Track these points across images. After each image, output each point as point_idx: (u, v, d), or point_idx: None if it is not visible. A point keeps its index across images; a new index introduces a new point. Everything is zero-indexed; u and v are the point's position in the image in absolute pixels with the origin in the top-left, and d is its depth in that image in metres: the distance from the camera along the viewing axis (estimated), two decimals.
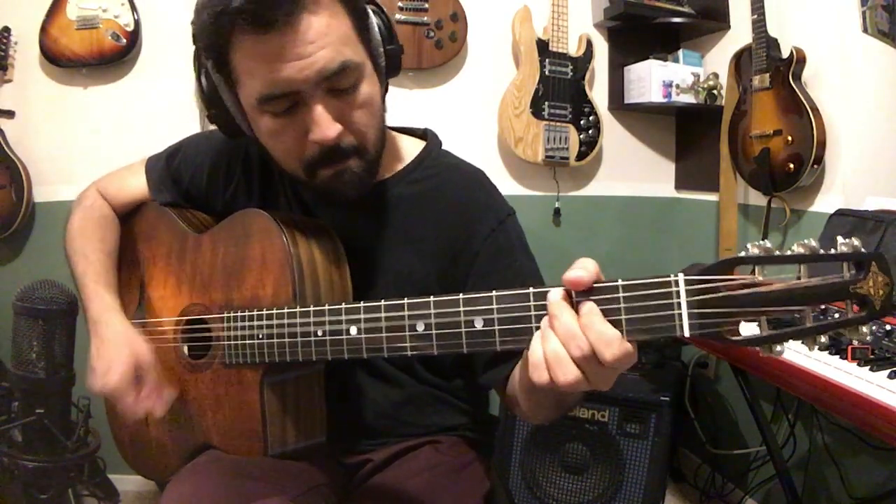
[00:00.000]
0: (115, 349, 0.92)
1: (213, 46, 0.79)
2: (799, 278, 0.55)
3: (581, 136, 2.25)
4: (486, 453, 1.09)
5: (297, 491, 0.89)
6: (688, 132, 2.45)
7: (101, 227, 1.06)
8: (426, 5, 2.10)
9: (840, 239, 0.56)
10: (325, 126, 0.79)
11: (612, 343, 0.56)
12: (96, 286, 0.99)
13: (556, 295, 0.60)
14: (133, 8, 1.99)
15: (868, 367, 1.15)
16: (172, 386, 0.98)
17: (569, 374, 0.58)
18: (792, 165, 1.78)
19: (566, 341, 0.58)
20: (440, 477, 0.97)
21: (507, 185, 2.30)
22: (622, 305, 0.58)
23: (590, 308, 0.58)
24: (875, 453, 1.62)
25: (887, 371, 1.12)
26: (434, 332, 0.67)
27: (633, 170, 2.47)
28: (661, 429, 1.82)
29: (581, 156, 2.27)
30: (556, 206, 2.36)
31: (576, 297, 0.59)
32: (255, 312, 0.84)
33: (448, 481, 0.98)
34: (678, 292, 0.55)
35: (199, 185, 1.04)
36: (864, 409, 1.07)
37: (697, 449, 2.30)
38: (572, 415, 1.88)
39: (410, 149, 1.00)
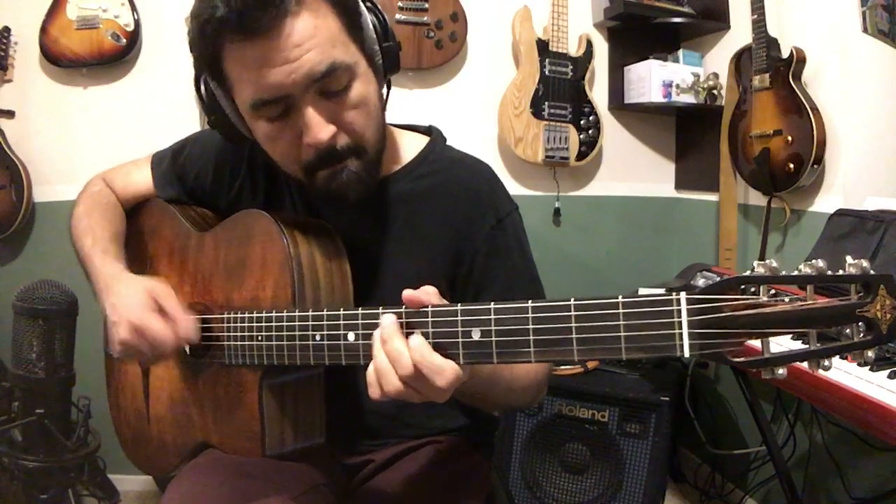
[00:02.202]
0: (129, 291, 0.87)
1: (206, 55, 0.79)
2: (805, 299, 0.54)
3: (581, 136, 2.25)
4: (487, 454, 1.10)
5: (298, 490, 0.89)
6: (688, 132, 2.45)
7: (109, 211, 1.05)
8: (426, 5, 2.10)
9: (849, 260, 0.55)
10: (317, 128, 0.79)
11: (444, 371, 0.65)
12: (104, 255, 0.96)
13: (387, 319, 0.68)
14: (133, 8, 1.99)
15: (868, 367, 1.15)
16: (172, 385, 0.98)
17: (389, 385, 0.67)
18: (792, 165, 1.78)
19: (394, 362, 0.66)
20: (441, 477, 0.97)
21: (507, 185, 2.26)
22: (621, 322, 0.57)
23: (417, 339, 0.66)
24: (875, 453, 1.62)
25: (887, 371, 1.12)
26: (431, 341, 0.66)
27: (633, 170, 2.47)
28: (661, 429, 1.82)
29: (581, 156, 2.27)
30: (556, 206, 2.36)
31: (405, 318, 0.68)
32: (254, 314, 0.84)
33: (448, 482, 0.98)
34: (679, 311, 0.55)
35: (203, 182, 1.04)
36: (864, 409, 1.07)
37: (697, 449, 2.30)
38: (572, 415, 1.89)
39: (414, 145, 0.99)
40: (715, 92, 2.19)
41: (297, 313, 0.79)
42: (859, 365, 1.16)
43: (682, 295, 0.55)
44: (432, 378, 0.65)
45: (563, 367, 1.98)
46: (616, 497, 1.85)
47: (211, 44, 0.77)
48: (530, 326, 0.62)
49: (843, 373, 1.15)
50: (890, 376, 1.11)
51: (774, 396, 1.89)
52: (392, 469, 0.98)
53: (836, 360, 1.22)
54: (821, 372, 1.16)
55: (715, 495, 2.16)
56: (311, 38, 0.76)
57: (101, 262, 0.95)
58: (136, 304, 0.86)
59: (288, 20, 0.74)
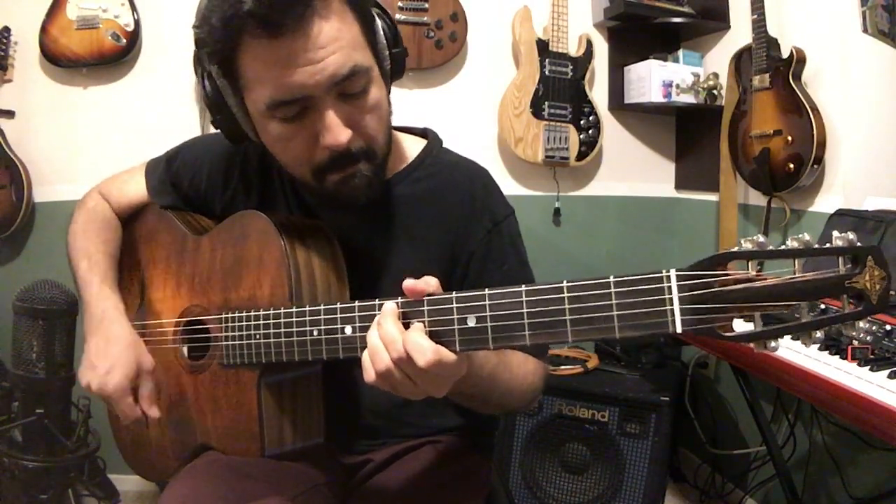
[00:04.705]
0: (119, 351, 0.91)
1: (221, 51, 0.78)
2: (794, 273, 0.54)
3: (581, 136, 2.25)
4: (487, 453, 1.10)
5: (297, 491, 0.89)
6: (688, 132, 2.45)
7: (104, 228, 1.06)
8: (426, 5, 2.10)
9: (835, 233, 0.55)
10: (337, 131, 0.78)
11: (426, 351, 0.65)
12: (102, 284, 0.99)
13: (388, 306, 0.69)
14: (133, 8, 1.99)
15: (868, 367, 1.15)
16: (171, 388, 0.98)
17: (380, 363, 0.67)
18: (792, 165, 1.78)
19: (387, 344, 0.67)
20: (440, 477, 0.97)
21: (507, 185, 2.30)
22: (613, 301, 0.58)
23: (415, 326, 0.67)
24: (875, 453, 1.62)
25: (887, 371, 1.12)
26: (427, 329, 0.67)
27: (633, 170, 2.47)
28: (661, 429, 1.82)
29: (581, 156, 2.27)
30: (556, 206, 2.36)
31: (402, 307, 0.69)
32: (251, 313, 0.84)
33: (448, 482, 0.98)
34: (670, 288, 0.55)
35: (197, 188, 1.04)
36: (864, 409, 1.06)
37: (697, 449, 2.30)
38: (572, 415, 1.89)
39: (412, 148, 1.00)
40: (715, 92, 2.19)
41: (294, 309, 0.80)
42: (859, 363, 1.16)
43: (672, 272, 0.55)
44: (415, 357, 0.65)
45: (563, 367, 1.98)
46: (616, 497, 1.85)
47: (230, 39, 0.75)
48: (524, 310, 0.63)
49: (843, 373, 1.15)
50: (890, 376, 1.11)
51: (774, 396, 1.89)
52: (391, 469, 0.99)
53: (836, 359, 1.23)
54: (821, 371, 1.17)
55: (715, 495, 2.16)
56: (336, 41, 0.76)
57: (99, 290, 0.98)
58: (120, 373, 0.91)
59: (315, 20, 0.74)
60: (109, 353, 0.91)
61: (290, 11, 0.72)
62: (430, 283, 0.69)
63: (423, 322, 0.68)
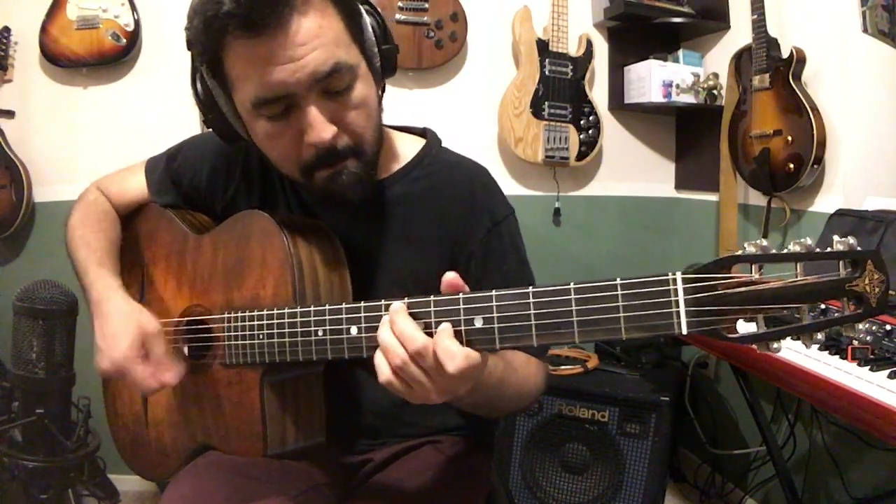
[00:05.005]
0: (118, 323, 0.89)
1: (207, 51, 0.79)
2: (796, 276, 0.55)
3: (581, 136, 2.25)
4: (487, 453, 1.10)
5: (297, 490, 0.89)
6: (688, 132, 2.45)
7: (103, 220, 1.05)
8: (426, 5, 2.10)
9: (836, 238, 0.57)
10: (320, 128, 0.79)
11: (456, 356, 0.64)
12: (99, 268, 0.97)
13: (396, 305, 0.68)
14: (133, 8, 1.99)
15: (868, 367, 1.15)
16: (171, 388, 0.98)
17: (396, 358, 0.66)
18: (792, 165, 1.78)
19: (402, 340, 0.66)
20: (440, 477, 0.97)
21: (507, 185, 2.30)
22: (620, 303, 0.58)
23: (445, 329, 0.66)
24: (875, 453, 1.62)
25: (887, 371, 1.12)
26: (434, 330, 0.67)
27: (633, 170, 2.47)
28: (661, 429, 1.82)
29: (581, 156, 2.27)
30: (556, 206, 2.36)
31: (409, 307, 0.68)
32: (255, 312, 0.84)
33: (448, 481, 0.98)
34: (676, 290, 0.56)
35: (198, 187, 1.04)
36: (864, 409, 1.07)
37: (697, 449, 2.30)
38: (572, 415, 1.89)
39: (410, 147, 1.00)
40: (715, 92, 2.19)
41: (298, 309, 0.80)
42: (859, 363, 1.16)
43: (678, 274, 0.57)
44: (444, 362, 0.64)
45: (563, 367, 1.98)
46: (616, 497, 1.85)
47: (213, 40, 0.76)
48: (531, 311, 0.63)
49: (843, 373, 1.16)
50: (890, 376, 1.11)
51: (774, 396, 1.89)
52: (391, 468, 0.99)
53: (836, 359, 1.23)
54: (821, 371, 1.17)
55: (715, 495, 2.16)
56: (317, 38, 0.76)
57: (96, 275, 0.96)
58: (123, 343, 0.87)
59: (295, 18, 0.74)
60: (109, 329, 0.89)
61: (268, 10, 0.72)
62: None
63: (431, 322, 0.67)
